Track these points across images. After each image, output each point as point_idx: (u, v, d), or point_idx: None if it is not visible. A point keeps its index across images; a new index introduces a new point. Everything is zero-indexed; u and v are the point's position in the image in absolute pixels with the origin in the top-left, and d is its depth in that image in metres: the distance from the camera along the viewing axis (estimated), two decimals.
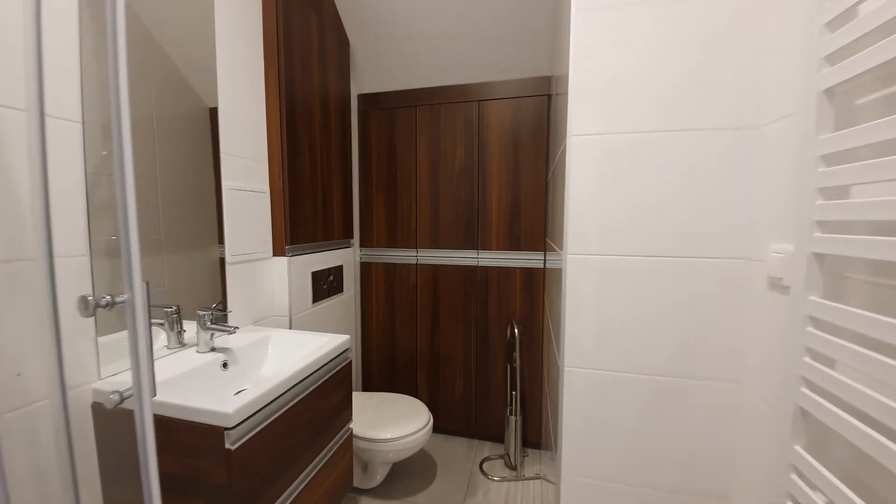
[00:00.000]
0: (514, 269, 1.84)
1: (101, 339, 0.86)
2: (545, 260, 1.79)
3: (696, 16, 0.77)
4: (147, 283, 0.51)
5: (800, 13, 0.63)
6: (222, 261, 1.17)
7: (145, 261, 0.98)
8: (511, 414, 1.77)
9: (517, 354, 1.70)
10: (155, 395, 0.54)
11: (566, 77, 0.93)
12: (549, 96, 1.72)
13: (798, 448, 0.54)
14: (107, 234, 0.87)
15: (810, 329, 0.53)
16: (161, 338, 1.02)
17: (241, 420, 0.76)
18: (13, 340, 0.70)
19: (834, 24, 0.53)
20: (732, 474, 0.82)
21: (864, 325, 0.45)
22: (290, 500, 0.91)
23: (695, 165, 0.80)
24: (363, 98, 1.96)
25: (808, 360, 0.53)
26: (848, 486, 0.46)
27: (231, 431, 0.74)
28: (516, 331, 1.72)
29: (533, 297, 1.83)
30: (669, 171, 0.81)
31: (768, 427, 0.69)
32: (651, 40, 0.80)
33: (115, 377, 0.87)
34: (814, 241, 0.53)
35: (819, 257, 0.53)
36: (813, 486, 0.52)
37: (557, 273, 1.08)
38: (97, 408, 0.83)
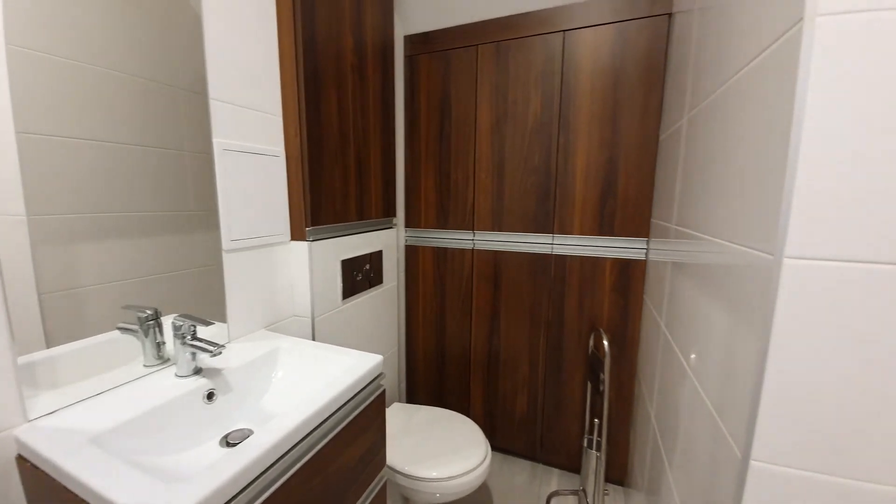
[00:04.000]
0: (604, 259, 1.39)
1: (27, 358, 0.59)
2: (648, 249, 1.32)
3: None
4: None
5: None
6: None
7: (138, 243, 0.69)
8: (591, 447, 1.37)
9: (605, 375, 1.28)
10: None
11: None
12: (671, 15, 1.20)
13: None
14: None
15: None
16: (138, 353, 0.75)
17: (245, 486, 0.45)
18: None
19: None
20: None
21: None
22: None
23: None
24: (410, 40, 1.56)
25: None
26: None
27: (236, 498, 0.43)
28: (605, 343, 1.30)
29: (627, 299, 1.38)
30: None
31: None
32: None
33: (51, 417, 0.60)
34: None
35: None
36: None
37: (717, 275, 0.64)
38: (24, 463, 0.57)
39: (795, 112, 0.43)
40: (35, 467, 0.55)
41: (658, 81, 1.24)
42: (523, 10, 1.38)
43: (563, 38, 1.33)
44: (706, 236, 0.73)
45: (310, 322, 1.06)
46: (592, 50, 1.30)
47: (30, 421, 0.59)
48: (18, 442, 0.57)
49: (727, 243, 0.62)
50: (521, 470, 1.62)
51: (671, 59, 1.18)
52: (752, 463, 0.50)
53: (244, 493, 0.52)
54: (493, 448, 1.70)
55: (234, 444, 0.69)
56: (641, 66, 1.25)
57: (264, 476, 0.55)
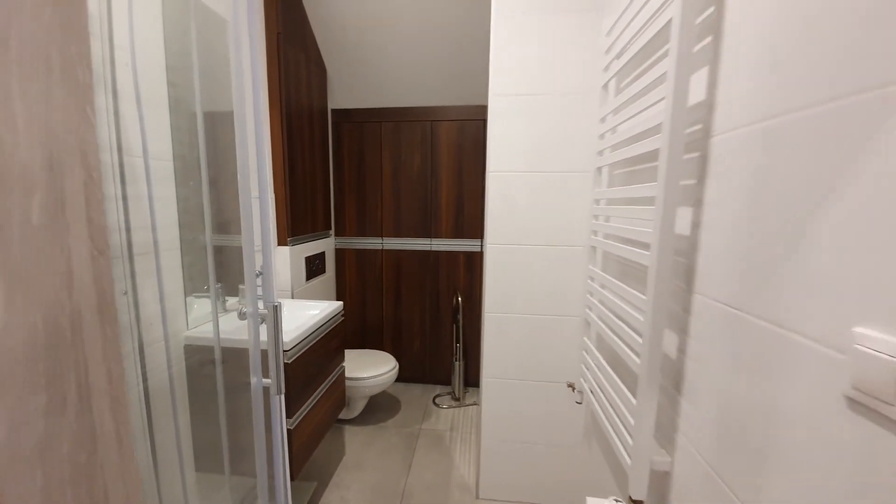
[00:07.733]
0: (459, 252, 2.40)
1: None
2: (482, 245, 2.36)
3: (558, 122, 1.35)
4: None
5: (593, 125, 1.22)
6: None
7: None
8: (456, 360, 2.36)
9: (460, 316, 2.28)
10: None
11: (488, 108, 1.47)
12: (484, 121, 2.25)
13: (586, 339, 1.16)
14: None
15: (588, 281, 1.13)
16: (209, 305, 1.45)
17: (293, 346, 1.24)
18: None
19: (602, 136, 1.12)
20: (576, 367, 1.46)
21: (609, 283, 1.04)
22: (310, 408, 1.41)
23: (558, 192, 1.39)
24: (336, 112, 2.37)
25: (587, 295, 1.14)
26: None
27: (288, 352, 1.22)
28: (459, 298, 2.30)
29: (473, 274, 2.41)
30: (542, 195, 1.39)
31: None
32: (531, 125, 1.36)
33: (200, 328, 1.31)
34: (590, 241, 1.13)
35: (591, 248, 1.13)
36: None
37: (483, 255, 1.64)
38: (187, 348, 1.26)
39: (487, 198, 1.43)
40: (192, 347, 1.26)
41: (482, 153, 2.29)
42: (408, 105, 2.31)
43: (431, 125, 2.31)
44: (485, 237, 1.75)
45: (290, 293, 1.81)
46: (447, 134, 2.30)
47: (189, 329, 1.28)
48: (186, 337, 1.26)
49: (485, 241, 1.63)
50: (416, 388, 2.54)
51: (487, 143, 2.23)
52: (486, 314, 1.49)
53: (298, 346, 1.31)
54: (400, 379, 2.59)
55: None
56: (472, 145, 2.29)
57: (303, 342, 1.34)
